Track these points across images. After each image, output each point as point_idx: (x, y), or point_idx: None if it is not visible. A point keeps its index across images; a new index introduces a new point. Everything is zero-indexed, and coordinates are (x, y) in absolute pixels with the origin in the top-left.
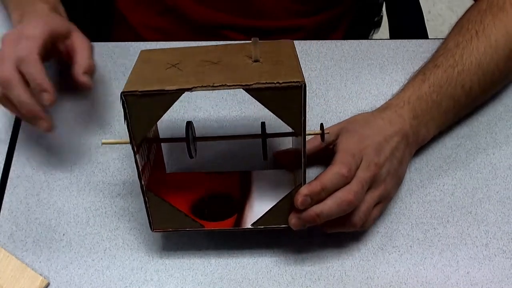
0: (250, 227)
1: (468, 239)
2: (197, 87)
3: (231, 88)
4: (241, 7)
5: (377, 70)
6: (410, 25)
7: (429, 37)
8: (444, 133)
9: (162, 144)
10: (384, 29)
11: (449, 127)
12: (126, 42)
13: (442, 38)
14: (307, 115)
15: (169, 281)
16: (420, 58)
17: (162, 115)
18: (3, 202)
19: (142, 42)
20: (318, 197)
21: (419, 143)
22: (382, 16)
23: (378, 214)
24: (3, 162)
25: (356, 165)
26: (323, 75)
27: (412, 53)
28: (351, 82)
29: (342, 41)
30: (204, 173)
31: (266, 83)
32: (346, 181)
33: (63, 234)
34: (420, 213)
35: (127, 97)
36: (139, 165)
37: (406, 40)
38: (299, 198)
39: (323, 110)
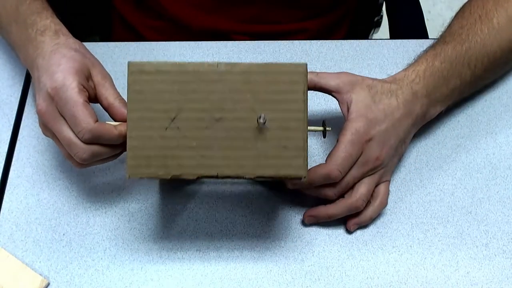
0: None
1: (468, 239)
2: (202, 177)
3: (233, 178)
4: (245, 15)
5: (377, 70)
6: (410, 25)
7: (429, 37)
8: (444, 133)
9: None
10: (384, 29)
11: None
12: (126, 42)
13: None
14: (307, 114)
15: (169, 281)
16: None
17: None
18: (3, 202)
19: (142, 42)
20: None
21: (425, 120)
22: (382, 16)
23: (386, 191)
24: (3, 162)
25: (354, 157)
26: None
27: (412, 53)
28: None
29: (342, 41)
30: None
31: (268, 177)
32: (334, 182)
33: (63, 234)
34: (420, 213)
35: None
36: None
37: (406, 40)
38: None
39: (323, 110)
